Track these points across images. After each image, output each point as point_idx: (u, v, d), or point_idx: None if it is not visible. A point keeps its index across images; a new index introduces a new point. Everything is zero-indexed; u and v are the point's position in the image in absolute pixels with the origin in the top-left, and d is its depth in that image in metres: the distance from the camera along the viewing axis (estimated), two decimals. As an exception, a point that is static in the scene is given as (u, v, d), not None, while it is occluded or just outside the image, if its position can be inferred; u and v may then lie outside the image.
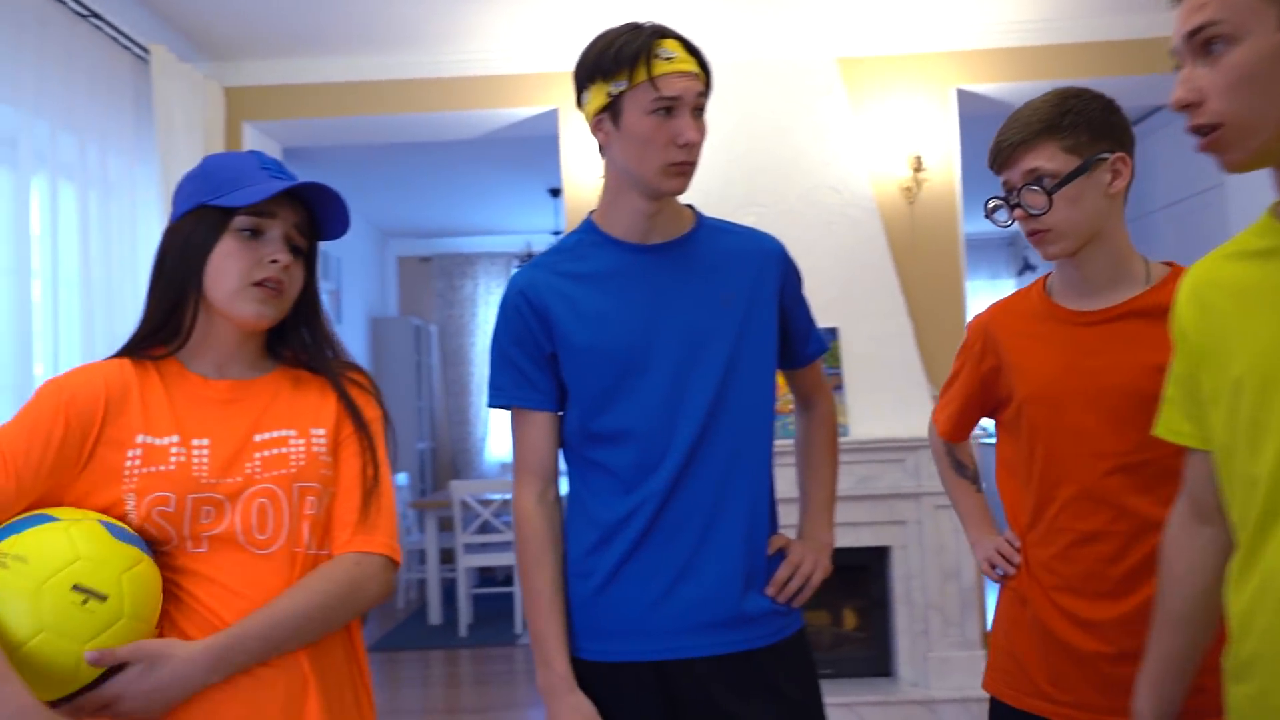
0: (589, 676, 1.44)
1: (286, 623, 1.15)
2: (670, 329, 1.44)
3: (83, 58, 3.17)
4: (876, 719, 3.66)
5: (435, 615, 5.93)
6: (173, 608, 1.15)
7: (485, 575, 6.72)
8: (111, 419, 1.16)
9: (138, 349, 1.23)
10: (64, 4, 3.06)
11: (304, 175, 5.13)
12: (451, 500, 5.68)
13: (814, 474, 1.62)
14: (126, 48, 3.42)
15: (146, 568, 1.10)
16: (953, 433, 1.73)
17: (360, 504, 1.25)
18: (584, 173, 4.18)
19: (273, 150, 4.48)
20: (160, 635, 1.14)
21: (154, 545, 1.16)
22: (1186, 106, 0.98)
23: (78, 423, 1.15)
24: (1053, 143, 1.41)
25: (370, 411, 1.31)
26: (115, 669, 1.08)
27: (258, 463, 1.19)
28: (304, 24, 3.80)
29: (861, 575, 3.90)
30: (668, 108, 1.37)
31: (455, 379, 8.12)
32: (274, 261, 1.20)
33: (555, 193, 6.47)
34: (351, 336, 7.14)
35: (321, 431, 1.25)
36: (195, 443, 1.17)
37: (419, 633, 5.77)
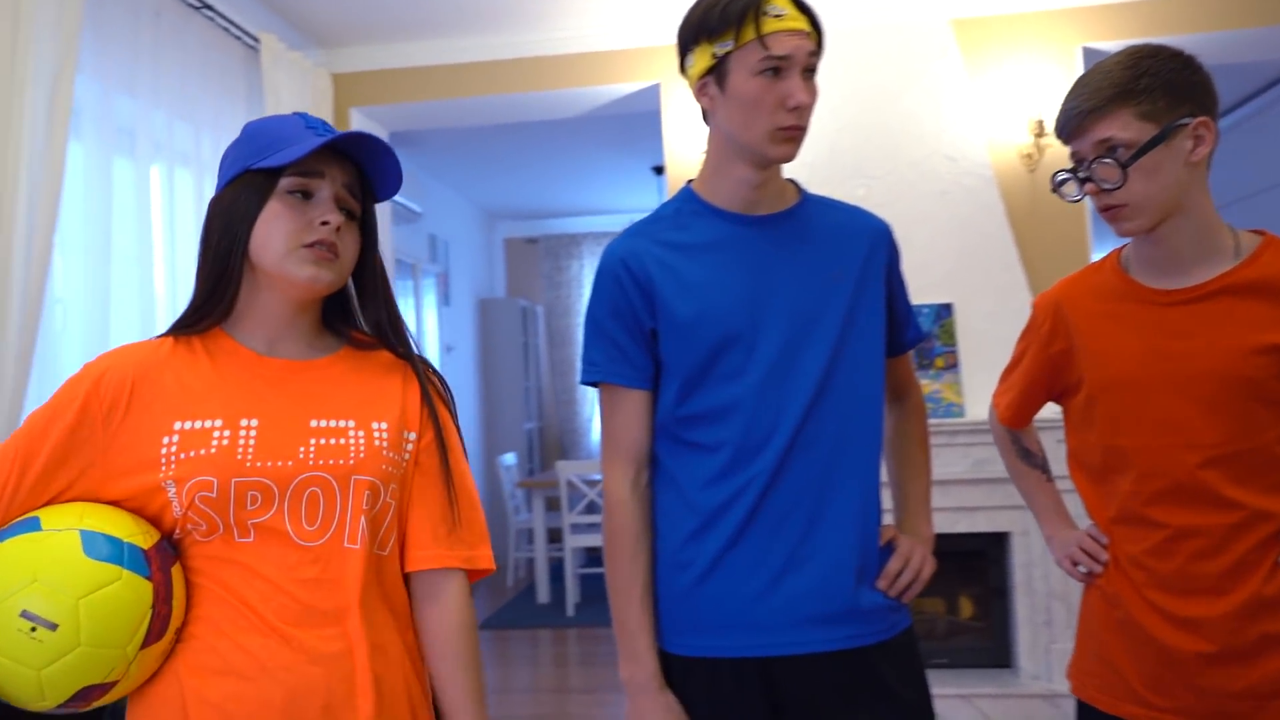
0: (683, 673, 1.37)
1: (480, 691, 1.19)
2: (780, 303, 1.36)
3: (196, 49, 3.25)
4: (996, 712, 3.50)
5: (543, 594, 5.99)
6: (206, 599, 1.09)
7: (592, 555, 6.75)
8: (139, 405, 1.10)
9: (184, 327, 1.16)
10: (177, -3, 3.14)
11: (411, 160, 5.18)
12: (558, 480, 5.71)
13: (911, 467, 1.53)
14: (238, 38, 3.50)
15: (120, 589, 1.01)
16: (1015, 419, 1.62)
17: (452, 514, 1.21)
18: (687, 149, 4.10)
19: (379, 136, 4.54)
20: (189, 629, 1.09)
21: (198, 535, 1.10)
22: None
23: (98, 408, 1.09)
24: (1127, 109, 1.28)
25: (444, 414, 1.25)
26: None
27: (312, 449, 1.12)
28: (409, 8, 3.82)
29: (978, 561, 3.73)
30: (776, 68, 1.28)
31: (561, 359, 8.16)
32: (324, 223, 1.12)
33: (659, 170, 6.41)
34: (460, 318, 7.24)
35: (384, 425, 1.17)
36: (243, 423, 1.10)
37: (527, 611, 5.85)
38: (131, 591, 1.02)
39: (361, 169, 1.19)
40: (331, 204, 1.14)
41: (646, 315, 1.38)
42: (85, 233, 2.66)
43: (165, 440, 1.08)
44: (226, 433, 1.09)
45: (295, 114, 1.17)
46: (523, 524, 6.55)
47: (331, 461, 1.12)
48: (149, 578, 1.04)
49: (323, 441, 1.12)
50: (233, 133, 3.44)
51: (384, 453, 1.16)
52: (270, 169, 1.12)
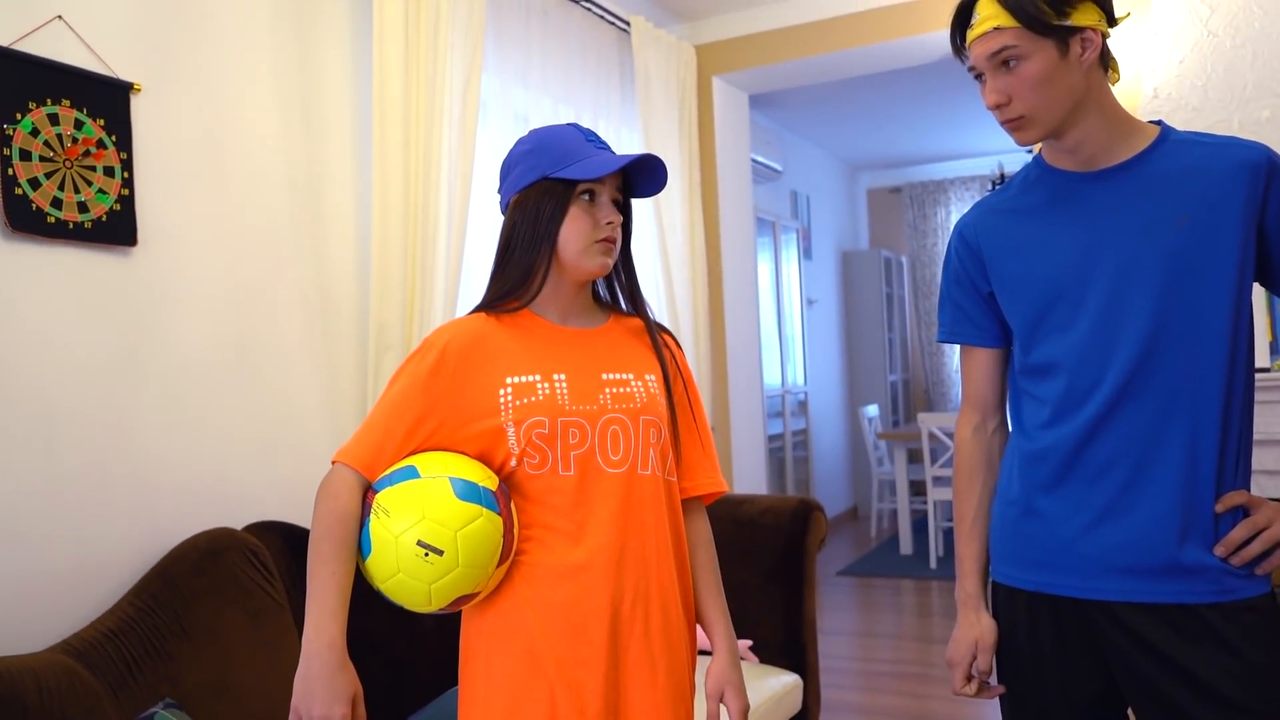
0: (1007, 600, 1.47)
1: (720, 586, 1.53)
2: (1109, 256, 1.37)
3: (577, 39, 3.63)
4: None
5: (906, 545, 6.01)
6: (536, 524, 1.37)
7: (959, 509, 6.62)
8: (477, 365, 1.38)
9: (492, 306, 1.44)
10: (560, -7, 3.53)
11: (772, 119, 5.42)
12: (920, 432, 5.67)
13: None
14: (611, 23, 3.84)
15: (483, 523, 1.30)
16: None
17: (702, 450, 1.52)
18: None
19: (739, 100, 4.75)
20: (523, 548, 1.36)
21: (530, 467, 1.36)
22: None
23: (446, 371, 1.37)
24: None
25: (671, 367, 1.49)
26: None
27: (609, 396, 1.40)
28: (761, -27, 3.94)
29: None
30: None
31: (927, 310, 8.00)
32: (609, 222, 1.41)
33: (1030, 108, 6.03)
34: (822, 271, 7.35)
35: (653, 377, 1.46)
36: (555, 377, 1.38)
37: (890, 561, 5.90)
38: (491, 524, 1.31)
39: (628, 170, 1.45)
40: (611, 205, 1.42)
41: (981, 280, 1.50)
42: (494, 206, 3.11)
43: (501, 392, 1.37)
44: (545, 384, 1.38)
45: (571, 125, 1.44)
46: (885, 475, 6.57)
47: (625, 406, 1.41)
48: (499, 513, 1.32)
49: (616, 390, 1.42)
50: (609, 109, 3.81)
51: (658, 398, 1.45)
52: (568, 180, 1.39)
